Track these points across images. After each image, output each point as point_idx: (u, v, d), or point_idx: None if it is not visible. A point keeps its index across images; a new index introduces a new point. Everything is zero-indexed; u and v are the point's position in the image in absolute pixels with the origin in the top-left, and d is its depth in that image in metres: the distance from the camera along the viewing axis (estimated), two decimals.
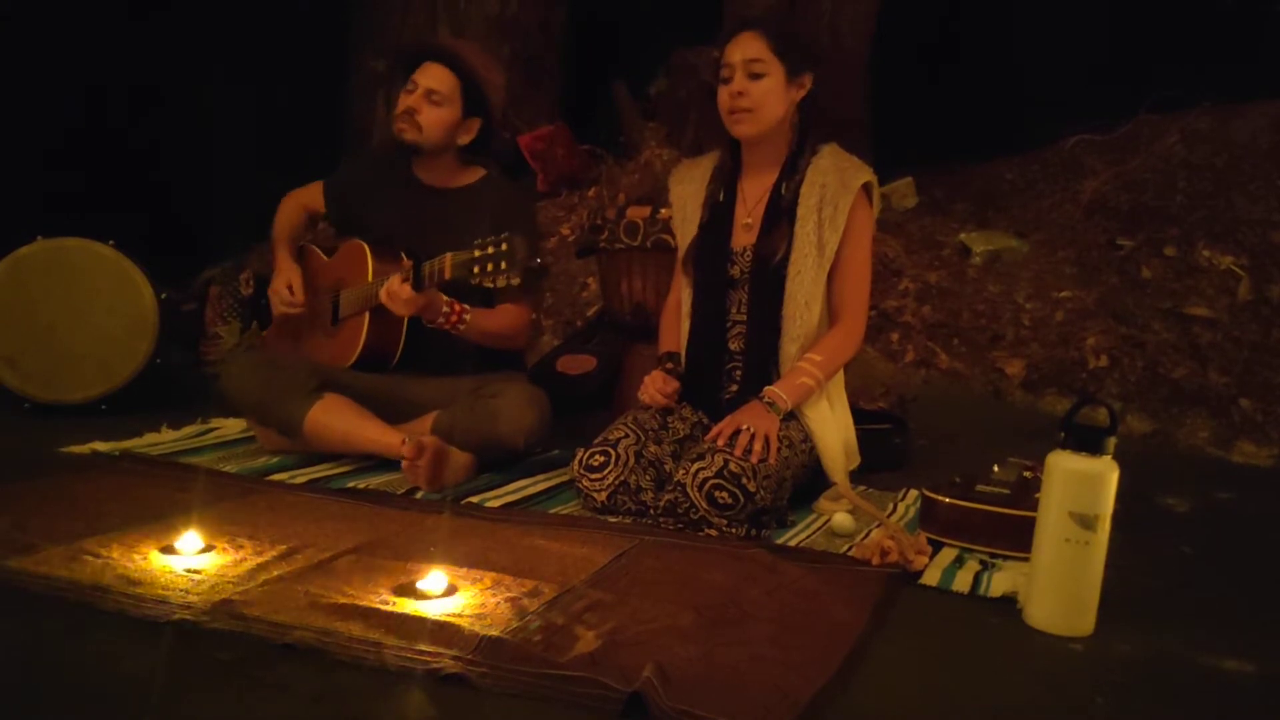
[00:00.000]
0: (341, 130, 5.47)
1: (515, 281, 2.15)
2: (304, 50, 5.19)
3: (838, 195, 2.24)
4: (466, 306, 2.41)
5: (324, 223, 2.87)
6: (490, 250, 2.15)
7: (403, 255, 2.48)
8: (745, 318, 2.30)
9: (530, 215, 2.76)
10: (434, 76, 2.52)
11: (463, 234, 2.24)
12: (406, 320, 2.48)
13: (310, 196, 2.80)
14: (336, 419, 2.39)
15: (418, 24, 5.23)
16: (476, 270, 2.16)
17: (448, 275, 2.24)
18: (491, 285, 2.17)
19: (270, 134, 5.07)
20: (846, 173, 2.26)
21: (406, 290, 2.29)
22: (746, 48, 2.22)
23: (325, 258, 2.76)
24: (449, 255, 2.23)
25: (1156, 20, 4.97)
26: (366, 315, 2.51)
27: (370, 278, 2.52)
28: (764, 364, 2.28)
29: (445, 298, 2.39)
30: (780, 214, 2.28)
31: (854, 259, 2.27)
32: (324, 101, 5.43)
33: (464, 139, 2.59)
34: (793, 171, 2.30)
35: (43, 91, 4.74)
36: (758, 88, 2.22)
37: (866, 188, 2.28)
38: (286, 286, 2.64)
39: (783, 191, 2.29)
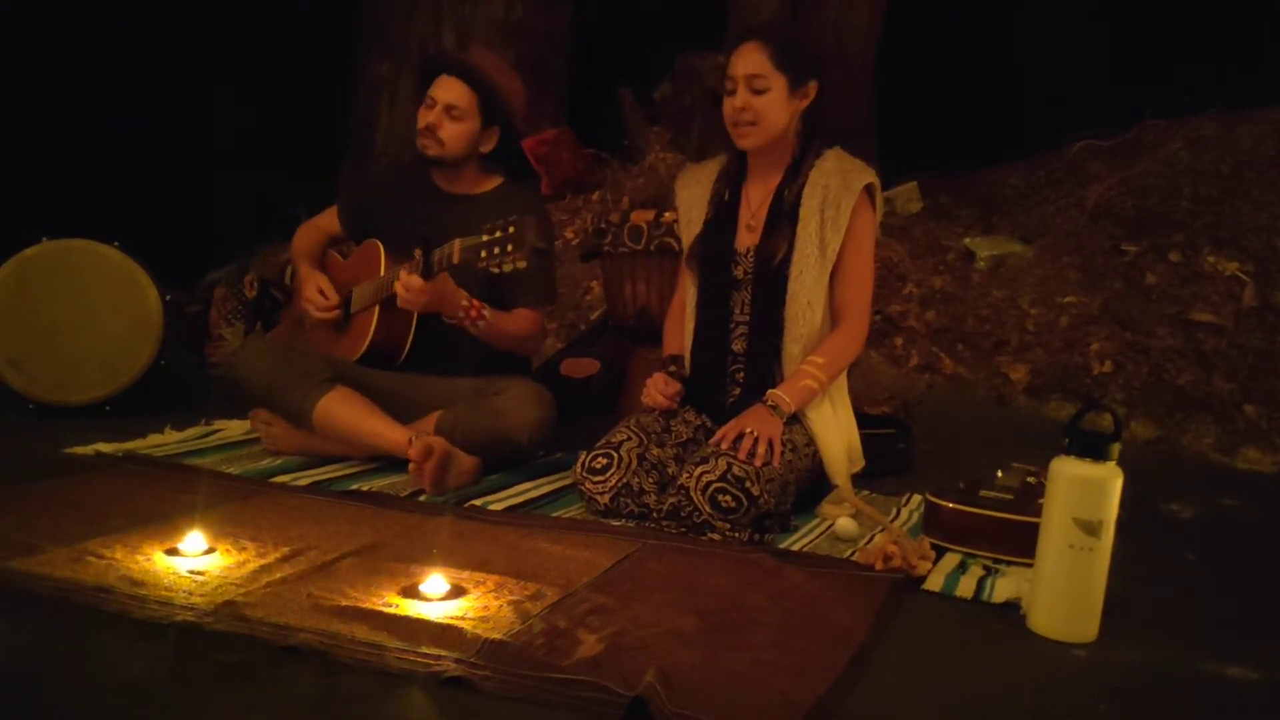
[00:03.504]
0: (346, 133, 5.48)
1: (521, 265, 2.16)
2: (309, 53, 5.20)
3: (840, 196, 2.24)
4: (486, 305, 2.42)
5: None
6: (498, 234, 2.16)
7: (416, 249, 2.48)
8: (748, 318, 2.30)
9: (546, 219, 2.78)
10: (452, 91, 2.54)
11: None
12: (415, 317, 2.49)
13: (326, 221, 2.83)
14: (346, 411, 2.39)
15: (423, 28, 5.24)
16: (484, 254, 2.17)
17: (456, 259, 2.25)
18: (498, 270, 2.17)
19: (275, 137, 5.08)
20: (849, 174, 2.27)
21: (416, 281, 2.30)
22: (749, 62, 2.23)
23: (341, 260, 2.79)
24: (458, 240, 2.25)
25: (1162, 26, 4.97)
26: (376, 310, 2.52)
27: (383, 272, 2.53)
28: (767, 365, 2.28)
29: (465, 294, 2.39)
30: (783, 215, 2.28)
31: (856, 260, 2.27)
32: (329, 105, 5.44)
33: (486, 148, 2.61)
34: (796, 174, 2.30)
35: (47, 93, 4.75)
36: (760, 102, 2.22)
37: (869, 189, 2.28)
38: (318, 290, 2.64)
39: (785, 194, 2.30)
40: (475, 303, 2.40)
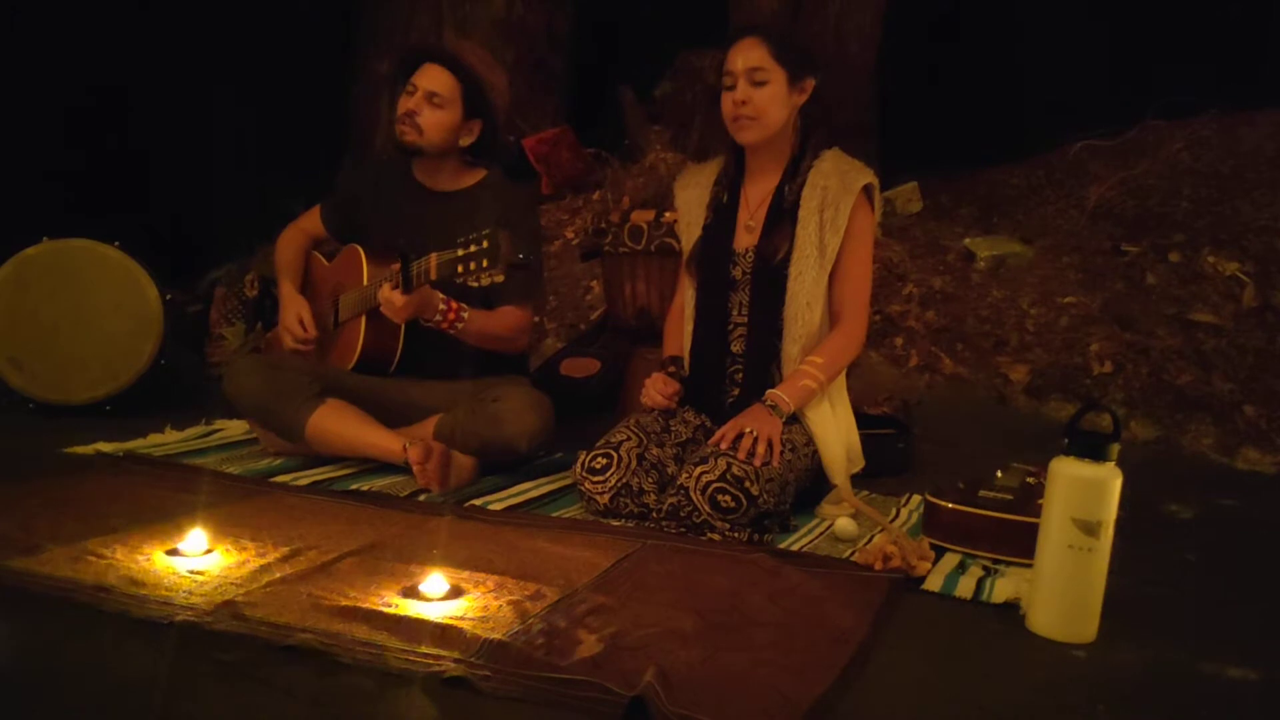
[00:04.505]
0: (346, 133, 5.48)
1: (499, 279, 2.13)
2: (309, 52, 5.20)
3: (839, 197, 2.24)
4: (465, 306, 2.40)
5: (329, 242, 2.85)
6: (473, 248, 2.12)
7: (397, 257, 2.47)
8: (747, 319, 2.31)
9: (531, 215, 2.75)
10: (434, 78, 2.51)
11: (460, 236, 2.22)
12: (404, 325, 2.48)
13: (309, 222, 2.80)
14: (338, 424, 2.39)
15: (423, 27, 5.25)
16: (461, 269, 2.14)
17: (434, 275, 2.23)
18: (476, 284, 2.14)
19: (276, 136, 5.08)
20: (848, 175, 2.27)
21: (398, 297, 2.28)
22: (748, 55, 2.23)
23: (326, 263, 2.77)
24: (434, 255, 2.22)
25: (1163, 26, 4.97)
26: (363, 319, 2.51)
27: (365, 281, 2.52)
28: (766, 365, 2.28)
29: (442, 296, 2.36)
30: (782, 215, 2.28)
31: (855, 261, 2.27)
32: (329, 104, 5.44)
33: (465, 141, 2.58)
34: (795, 174, 2.31)
35: (48, 92, 4.75)
36: (760, 95, 2.23)
37: (868, 190, 2.29)
38: (298, 322, 2.62)
39: (785, 193, 2.30)
40: (453, 304, 2.38)
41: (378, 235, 2.59)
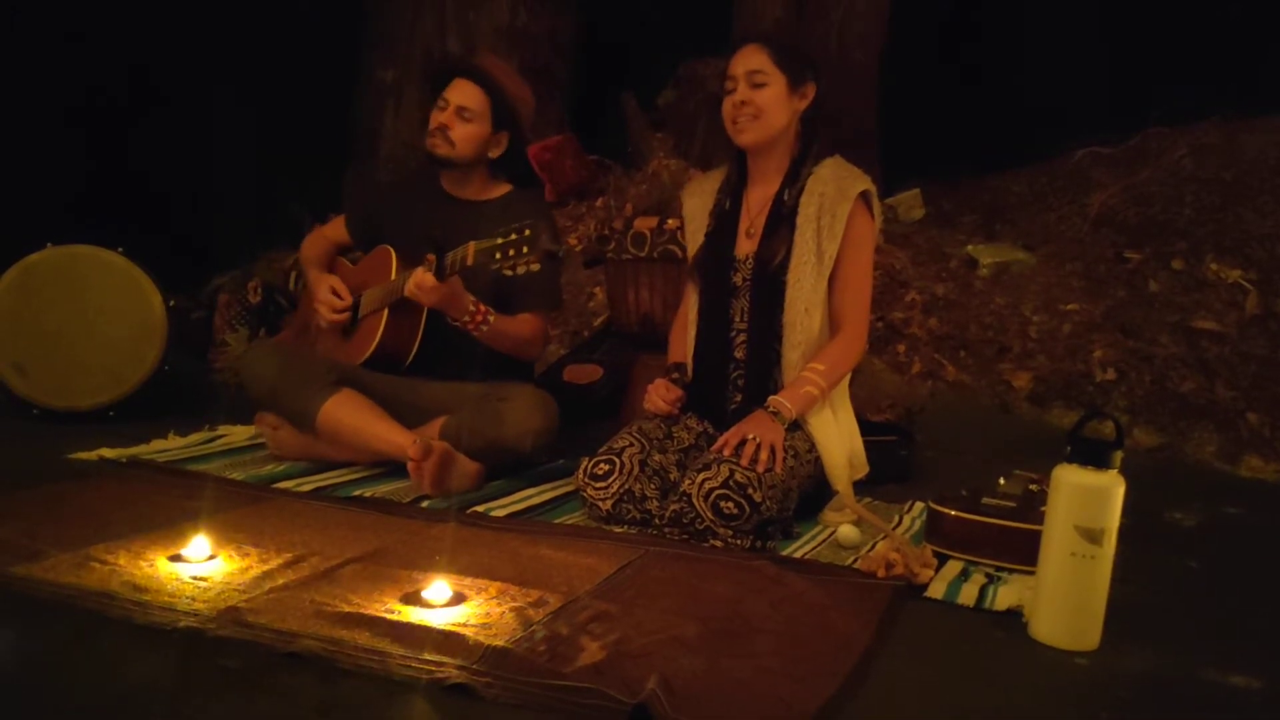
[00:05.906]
0: (349, 139, 5.49)
1: (534, 268, 2.18)
2: (313, 59, 5.21)
3: (836, 203, 2.25)
4: (491, 310, 2.43)
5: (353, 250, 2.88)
6: (513, 237, 2.18)
7: (429, 255, 2.49)
8: (748, 325, 2.31)
9: (553, 225, 2.79)
10: (465, 93, 2.57)
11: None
12: (423, 322, 2.51)
13: (334, 230, 2.84)
14: (350, 414, 2.40)
15: (427, 34, 5.25)
16: (499, 256, 2.19)
17: (470, 262, 2.27)
18: (511, 273, 2.19)
19: (279, 142, 5.09)
20: (845, 181, 2.28)
21: (430, 279, 2.32)
22: (749, 60, 2.26)
23: (351, 266, 2.80)
24: (472, 243, 2.27)
25: (1165, 34, 4.97)
26: (384, 314, 2.53)
27: (394, 276, 2.54)
28: (767, 371, 2.28)
29: (471, 297, 2.40)
30: (781, 221, 2.29)
31: (853, 267, 2.28)
32: (333, 110, 5.45)
33: (494, 153, 2.63)
34: (794, 179, 2.31)
35: (51, 99, 4.76)
36: (760, 96, 2.24)
37: (864, 196, 2.29)
38: (330, 290, 2.65)
39: (785, 196, 2.31)
40: (481, 306, 2.42)
41: (405, 243, 2.61)
